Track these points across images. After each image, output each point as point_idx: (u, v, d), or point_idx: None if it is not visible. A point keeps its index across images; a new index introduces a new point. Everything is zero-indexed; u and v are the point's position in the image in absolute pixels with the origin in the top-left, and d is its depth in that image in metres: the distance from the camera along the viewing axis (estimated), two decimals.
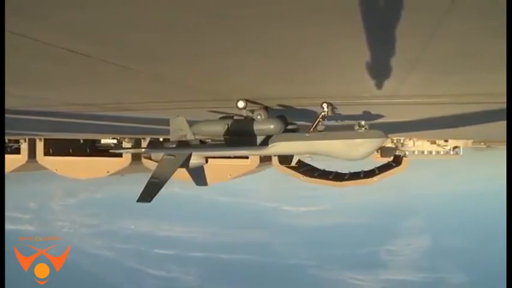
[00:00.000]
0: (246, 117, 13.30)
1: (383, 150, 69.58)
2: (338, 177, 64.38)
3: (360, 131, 12.48)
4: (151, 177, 13.28)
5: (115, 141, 63.38)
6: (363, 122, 12.65)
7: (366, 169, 65.57)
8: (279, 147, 12.72)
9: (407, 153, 71.22)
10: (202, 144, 14.20)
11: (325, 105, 12.84)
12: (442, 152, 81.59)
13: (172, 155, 13.59)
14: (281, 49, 8.50)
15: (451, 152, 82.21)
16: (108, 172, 62.88)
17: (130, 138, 59.47)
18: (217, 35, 7.70)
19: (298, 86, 12.60)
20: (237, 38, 7.84)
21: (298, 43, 8.15)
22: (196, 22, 6.97)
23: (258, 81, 12.01)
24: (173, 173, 13.54)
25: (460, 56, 9.04)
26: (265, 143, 12.91)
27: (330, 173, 65.19)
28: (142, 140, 60.81)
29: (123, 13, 6.52)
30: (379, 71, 10.20)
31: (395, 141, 69.75)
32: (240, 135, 13.23)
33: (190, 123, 14.25)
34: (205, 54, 8.89)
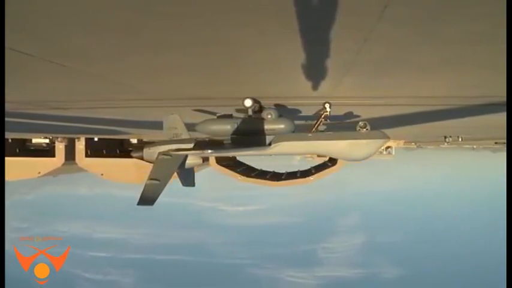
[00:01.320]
0: (255, 117, 12.91)
1: None
2: (275, 176, 65.01)
3: (362, 131, 12.48)
4: (150, 178, 12.50)
5: (47, 140, 61.16)
6: (364, 123, 12.56)
7: (302, 169, 66.62)
8: (282, 147, 12.59)
9: None
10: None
11: (327, 106, 12.87)
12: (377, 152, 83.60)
13: (168, 155, 12.93)
14: (216, 48, 8.45)
15: (384, 152, 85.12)
16: (39, 173, 60.61)
17: (64, 138, 57.58)
18: (152, 34, 7.56)
19: (233, 85, 12.61)
20: (172, 37, 7.73)
21: (233, 43, 8.14)
22: (131, 20, 6.81)
23: (191, 80, 11.92)
24: (173, 173, 13.10)
25: (392, 60, 9.33)
26: (268, 143, 12.78)
27: (267, 172, 65.71)
28: (76, 140, 58.94)
29: (58, 11, 6.29)
30: (315, 72, 10.36)
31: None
32: (248, 135, 12.90)
33: (185, 123, 13.79)
34: (140, 52, 8.71)
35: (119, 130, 35.96)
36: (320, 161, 68.92)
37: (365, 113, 16.84)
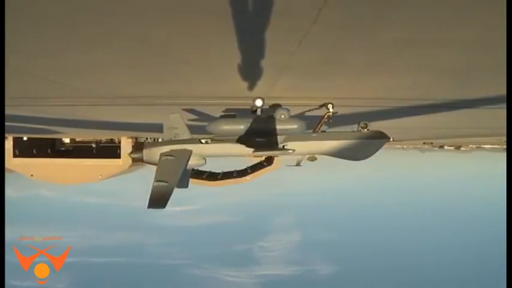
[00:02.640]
0: (268, 117, 12.56)
1: None
2: (211, 176, 64.77)
3: (364, 131, 12.72)
4: (156, 180, 11.99)
5: None
6: (365, 123, 12.83)
7: (238, 168, 66.74)
8: (291, 147, 12.65)
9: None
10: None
11: (330, 106, 12.91)
12: None
13: (171, 155, 12.57)
14: (150, 47, 8.30)
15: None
16: None
17: None
18: (82, 31, 7.31)
19: (169, 84, 12.45)
20: (104, 35, 7.51)
21: (167, 42, 8.02)
22: (63, 17, 6.55)
23: (125, 79, 11.67)
24: (181, 173, 12.51)
25: (327, 62, 9.51)
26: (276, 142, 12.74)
27: (203, 172, 65.34)
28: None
29: None
30: (251, 72, 10.38)
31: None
32: (261, 135, 12.60)
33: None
34: (69, 50, 8.42)
35: (51, 129, 34.70)
36: (256, 160, 69.37)
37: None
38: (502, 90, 12.98)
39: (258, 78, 10.95)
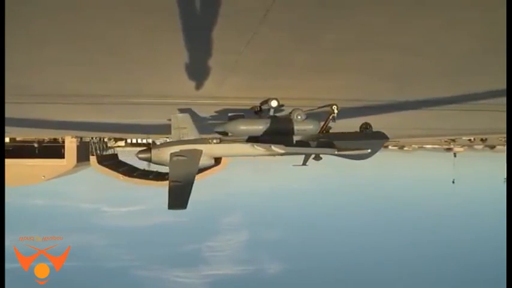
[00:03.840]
0: (286, 118, 12.79)
1: None
2: (158, 176, 64.05)
3: (367, 132, 13.18)
4: (172, 181, 11.93)
5: None
6: (366, 124, 13.26)
7: None
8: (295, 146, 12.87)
9: None
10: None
11: (334, 107, 12.87)
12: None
13: (182, 156, 12.41)
14: (95, 44, 8.14)
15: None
16: None
17: None
18: (27, 27, 7.12)
19: (114, 84, 12.25)
20: (50, 32, 7.32)
21: (113, 39, 7.88)
22: (7, 14, 6.35)
23: (70, 76, 11.40)
24: (196, 172, 12.46)
25: (274, 63, 9.64)
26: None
27: (150, 172, 64.56)
28: None
29: None
30: (198, 71, 10.36)
31: (215, 142, 71.54)
32: (278, 135, 12.70)
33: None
34: (11, 47, 8.17)
35: None
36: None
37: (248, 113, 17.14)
38: (442, 93, 13.59)
39: (206, 78, 10.95)
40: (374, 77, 11.30)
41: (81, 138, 58.20)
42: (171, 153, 12.40)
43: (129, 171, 64.32)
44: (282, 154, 13.09)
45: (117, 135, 65.42)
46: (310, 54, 8.87)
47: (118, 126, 31.22)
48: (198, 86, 11.83)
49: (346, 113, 15.24)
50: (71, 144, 56.72)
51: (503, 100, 14.40)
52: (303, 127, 12.67)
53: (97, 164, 62.92)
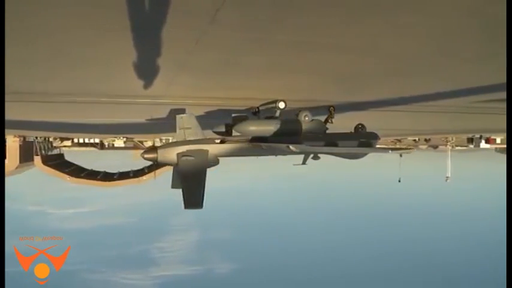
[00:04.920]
0: (294, 119, 13.25)
1: None
2: (107, 177, 62.79)
3: (361, 132, 13.96)
4: (183, 182, 12.19)
5: None
6: (361, 125, 14.05)
7: (135, 169, 65.29)
8: (306, 146, 13.08)
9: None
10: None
11: (332, 109, 13.74)
12: None
13: (190, 156, 12.65)
14: (41, 40, 7.87)
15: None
16: None
17: None
18: None
19: (60, 82, 11.89)
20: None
21: (60, 35, 7.62)
22: None
23: (16, 74, 10.98)
24: (205, 171, 12.66)
25: (224, 62, 9.57)
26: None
27: (97, 173, 63.18)
28: None
29: None
30: (147, 70, 10.16)
31: (164, 141, 70.86)
32: (287, 135, 12.91)
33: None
34: None
35: None
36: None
37: (197, 113, 17.02)
38: (388, 94, 13.91)
39: (154, 77, 10.76)
40: (323, 78, 11.43)
41: (24, 137, 56.23)
42: (178, 153, 12.70)
43: (76, 171, 62.67)
44: (286, 154, 13.90)
45: (63, 135, 63.63)
46: (260, 54, 8.86)
47: (64, 126, 30.33)
48: (147, 85, 11.62)
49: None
50: (13, 144, 54.62)
51: (448, 101, 14.97)
52: (310, 128, 13.23)
53: (42, 165, 60.97)
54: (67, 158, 73.52)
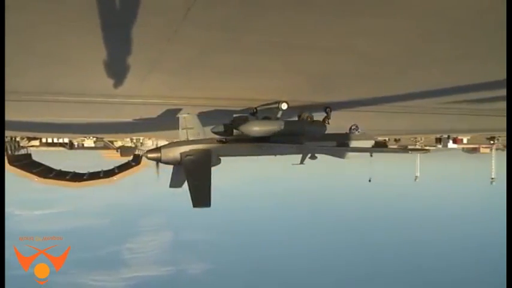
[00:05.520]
0: (298, 120, 14.14)
1: (122, 150, 69.44)
2: (76, 177, 61.69)
3: (357, 133, 14.56)
4: (190, 181, 12.17)
5: None
6: (355, 126, 14.60)
7: (105, 169, 64.39)
8: (309, 146, 13.96)
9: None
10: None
11: (328, 110, 14.35)
12: None
13: (193, 155, 12.90)
14: (13, 40, 7.64)
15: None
16: None
17: None
18: None
19: (28, 80, 11.61)
20: None
21: (32, 35, 7.45)
22: None
23: None
24: (210, 170, 12.76)
25: (195, 61, 9.46)
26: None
27: (66, 173, 62.04)
28: None
29: None
30: (117, 69, 10.00)
31: (134, 141, 70.32)
32: (289, 135, 13.58)
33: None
34: None
35: None
36: (123, 160, 67.52)
37: (168, 113, 16.88)
38: (362, 95, 14.02)
39: (125, 76, 10.60)
40: (297, 78, 11.45)
41: None
42: (181, 153, 12.92)
43: (45, 172, 61.37)
44: (284, 154, 14.65)
45: (31, 134, 62.31)
46: (233, 54, 8.81)
47: (32, 125, 29.69)
48: (118, 84, 11.45)
49: (268, 113, 15.37)
50: None
51: (419, 102, 15.19)
52: (312, 128, 13.91)
53: (8, 165, 59.52)
54: (35, 158, 72.05)
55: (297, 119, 14.52)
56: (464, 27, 7.18)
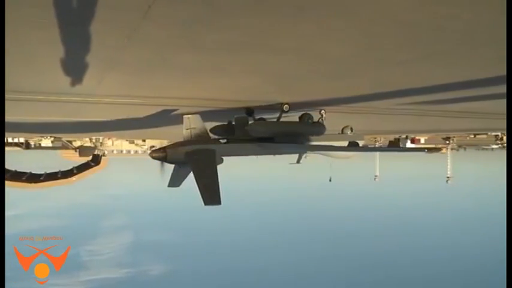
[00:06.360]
0: (299, 121, 14.81)
1: (81, 150, 68.03)
2: (32, 178, 60.01)
3: (350, 133, 15.46)
4: (199, 180, 12.27)
5: None
6: (349, 127, 15.66)
7: (63, 169, 62.91)
8: (310, 145, 14.62)
9: (106, 152, 71.35)
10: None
11: (323, 112, 15.09)
12: (140, 151, 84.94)
13: (199, 155, 13.23)
14: None
15: (149, 151, 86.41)
16: None
17: None
18: None
19: None
20: None
21: None
22: None
23: None
24: (216, 169, 13.02)
25: (156, 60, 9.35)
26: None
27: (22, 174, 60.27)
28: None
29: None
30: (75, 68, 9.78)
31: (94, 141, 69.00)
32: (291, 136, 14.27)
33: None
34: None
35: None
36: (82, 160, 66.18)
37: (128, 112, 16.64)
38: (320, 95, 14.16)
39: (84, 74, 10.37)
40: (258, 78, 11.46)
41: None
42: (187, 153, 13.25)
43: None
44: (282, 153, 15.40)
45: None
46: (193, 53, 8.74)
47: None
48: (75, 83, 11.19)
49: (228, 113, 15.40)
50: None
51: (377, 103, 15.46)
52: (312, 129, 14.59)
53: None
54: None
55: (298, 120, 15.16)
56: (416, 32, 7.35)
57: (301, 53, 8.81)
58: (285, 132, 14.18)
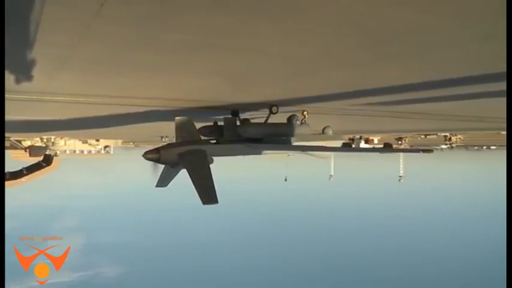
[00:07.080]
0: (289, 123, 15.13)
1: (32, 150, 66.04)
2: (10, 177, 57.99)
3: (330, 133, 16.10)
4: (194, 181, 12.35)
5: None
6: (328, 127, 16.17)
7: (12, 170, 61.01)
8: (297, 146, 15.15)
9: (58, 152, 69.62)
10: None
11: (305, 113, 15.77)
12: (93, 151, 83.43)
13: (191, 155, 13.39)
14: None
15: (103, 151, 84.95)
16: None
17: None
18: None
19: None
20: None
21: None
22: None
23: None
24: (210, 169, 13.15)
25: (109, 59, 9.14)
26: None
27: None
28: None
29: None
30: (25, 65, 9.44)
31: (45, 140, 67.11)
32: (280, 136, 14.87)
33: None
34: None
35: None
36: (33, 161, 64.32)
37: (80, 111, 16.28)
38: (283, 95, 14.26)
39: (31, 72, 10.02)
40: (216, 78, 11.43)
41: None
42: (180, 154, 13.36)
43: None
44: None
45: None
46: (149, 52, 8.60)
47: None
48: (22, 80, 10.81)
49: (189, 113, 15.30)
50: None
51: (332, 104, 15.68)
52: (300, 130, 15.11)
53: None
54: None
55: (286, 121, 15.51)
56: (372, 34, 7.49)
57: (257, 53, 8.82)
58: (274, 133, 14.78)
